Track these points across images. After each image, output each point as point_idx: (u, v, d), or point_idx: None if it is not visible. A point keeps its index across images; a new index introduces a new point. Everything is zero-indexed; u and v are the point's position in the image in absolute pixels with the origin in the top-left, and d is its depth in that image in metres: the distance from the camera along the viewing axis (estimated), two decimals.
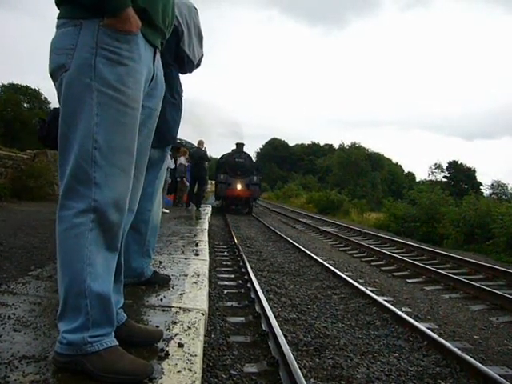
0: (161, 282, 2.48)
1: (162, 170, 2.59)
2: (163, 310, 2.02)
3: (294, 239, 12.41)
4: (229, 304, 5.39)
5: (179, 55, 2.54)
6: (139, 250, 2.42)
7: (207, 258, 3.41)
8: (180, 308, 2.05)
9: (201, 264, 3.13)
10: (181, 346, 1.56)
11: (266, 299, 5.49)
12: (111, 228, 1.54)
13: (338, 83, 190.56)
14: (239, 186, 21.12)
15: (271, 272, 7.74)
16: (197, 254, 3.64)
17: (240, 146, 23.01)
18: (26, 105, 50.78)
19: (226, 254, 9.31)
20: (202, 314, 2.00)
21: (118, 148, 1.52)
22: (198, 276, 2.73)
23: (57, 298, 2.11)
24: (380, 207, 38.05)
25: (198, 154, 13.59)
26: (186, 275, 2.74)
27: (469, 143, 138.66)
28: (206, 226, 6.50)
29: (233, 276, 7.01)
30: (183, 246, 4.04)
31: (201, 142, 14.09)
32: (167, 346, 1.57)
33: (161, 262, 3.09)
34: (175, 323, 1.81)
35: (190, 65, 2.61)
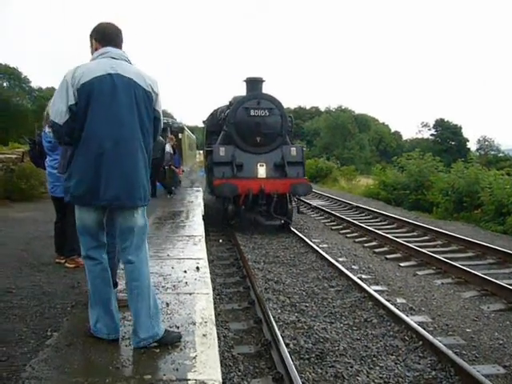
0: (173, 341, 2.59)
1: (145, 234, 2.68)
2: None
3: None
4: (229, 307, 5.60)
5: None
6: (147, 315, 2.52)
7: (210, 290, 3.51)
8: (196, 380, 2.15)
9: (205, 301, 3.22)
10: None
11: (265, 300, 5.70)
12: None
13: (319, 44, 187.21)
14: (262, 171, 10.57)
15: (267, 263, 7.91)
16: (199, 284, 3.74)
17: (255, 84, 11.25)
18: (5, 84, 49.70)
19: (223, 242, 9.53)
20: None
21: None
22: (206, 323, 2.84)
23: (80, 381, 2.10)
24: (369, 168, 38.21)
25: None
26: (194, 323, 2.84)
27: (454, 99, 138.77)
28: (202, 230, 6.40)
29: (232, 271, 7.22)
30: (185, 271, 4.13)
31: None
32: None
33: (168, 304, 3.19)
34: None
35: None
